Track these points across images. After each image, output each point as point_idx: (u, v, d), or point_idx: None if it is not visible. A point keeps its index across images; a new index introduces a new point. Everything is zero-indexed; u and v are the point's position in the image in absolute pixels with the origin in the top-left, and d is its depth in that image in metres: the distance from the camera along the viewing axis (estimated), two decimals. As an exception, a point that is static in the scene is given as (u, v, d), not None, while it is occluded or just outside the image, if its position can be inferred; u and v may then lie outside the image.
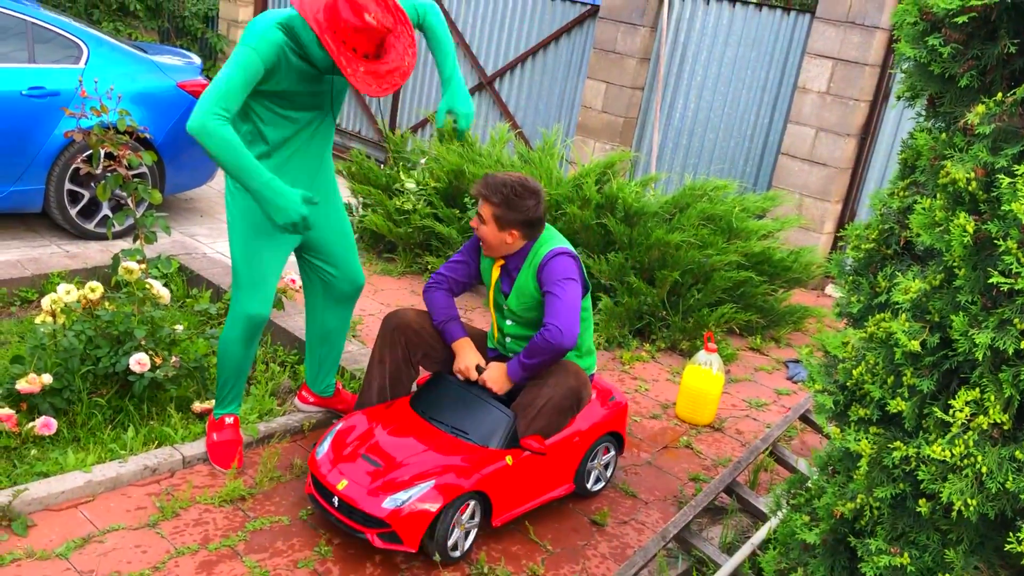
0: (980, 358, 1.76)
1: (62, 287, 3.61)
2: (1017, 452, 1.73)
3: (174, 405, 3.63)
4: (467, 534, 2.99)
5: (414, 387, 3.47)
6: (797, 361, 5.10)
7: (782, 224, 5.55)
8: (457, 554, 2.96)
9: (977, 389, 1.79)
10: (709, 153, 6.90)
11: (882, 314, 2.09)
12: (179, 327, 3.85)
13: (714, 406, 4.22)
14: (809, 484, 2.44)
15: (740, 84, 6.71)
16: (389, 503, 2.81)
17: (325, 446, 3.08)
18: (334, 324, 3.55)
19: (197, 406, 3.63)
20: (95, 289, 3.64)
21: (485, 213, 3.14)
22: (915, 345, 1.91)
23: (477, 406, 3.15)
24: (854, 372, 2.08)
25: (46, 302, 3.62)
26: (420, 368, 3.46)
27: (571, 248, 3.23)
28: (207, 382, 3.78)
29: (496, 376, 3.21)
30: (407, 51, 2.95)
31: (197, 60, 6.72)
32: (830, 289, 6.32)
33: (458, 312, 3.41)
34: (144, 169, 5.55)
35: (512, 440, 3.07)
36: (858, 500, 2.02)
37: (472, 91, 8.06)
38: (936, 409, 1.85)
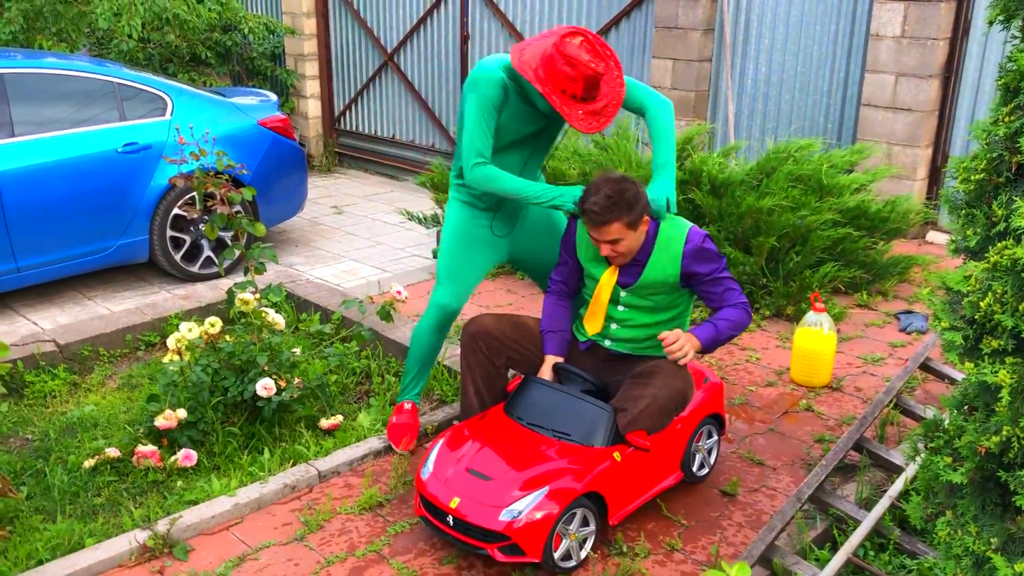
0: (1117, 270, 1.71)
1: (184, 325, 3.79)
2: None
3: (303, 424, 3.78)
4: (582, 543, 2.92)
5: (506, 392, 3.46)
6: (908, 312, 4.98)
7: (873, 176, 5.43)
8: (572, 563, 2.89)
9: (1117, 303, 1.75)
10: (787, 115, 6.78)
11: (1004, 242, 2.04)
12: (296, 350, 4.00)
13: (829, 366, 4.16)
14: (946, 425, 2.39)
15: (810, 40, 6.58)
16: (506, 515, 2.77)
17: (430, 465, 3.04)
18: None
19: (324, 423, 3.77)
20: (215, 324, 3.81)
21: (617, 231, 2.99)
22: (1044, 267, 1.87)
23: (574, 405, 3.08)
24: (981, 304, 2.04)
25: (171, 341, 3.81)
26: (508, 372, 3.44)
27: (697, 226, 3.22)
28: (329, 399, 3.92)
29: (686, 343, 3.04)
30: (616, 85, 3.14)
31: (273, 97, 6.96)
32: (932, 235, 6.14)
33: (569, 324, 3.34)
34: (239, 208, 5.77)
35: (615, 436, 3.02)
36: (1003, 432, 1.98)
37: (539, 88, 8.11)
38: (1076, 329, 1.80)
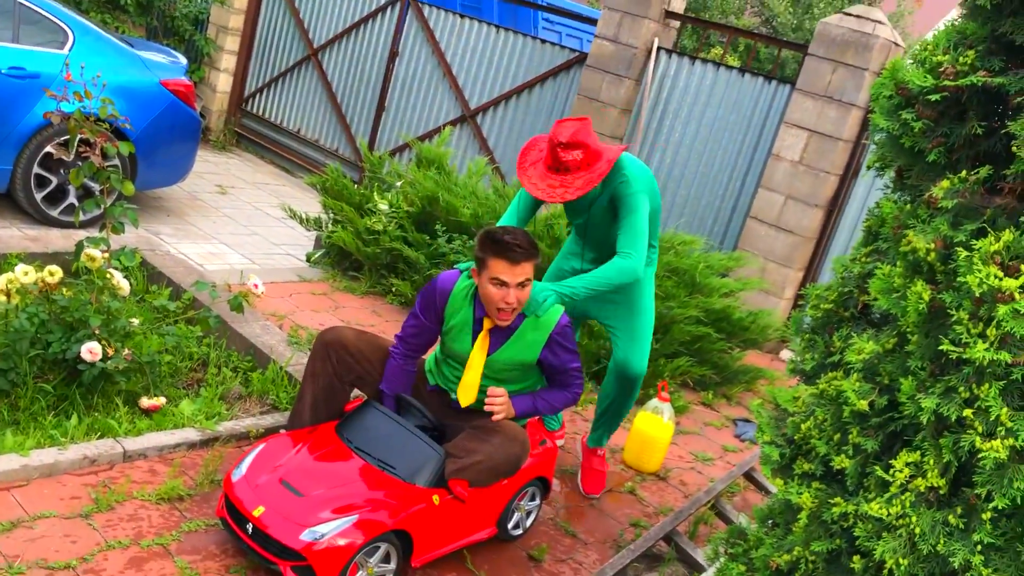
0: (924, 422, 1.81)
1: (20, 267, 3.56)
2: (950, 516, 1.78)
3: (122, 399, 3.58)
4: None
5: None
6: (746, 420, 5.16)
7: (744, 285, 5.65)
8: None
9: (918, 452, 1.85)
10: (680, 208, 7.01)
11: (834, 373, 2.14)
12: (135, 321, 3.82)
13: (662, 454, 4.25)
14: (748, 535, 2.47)
15: (716, 146, 6.85)
16: (307, 535, 2.67)
17: (243, 468, 2.91)
18: (608, 390, 3.84)
19: (145, 402, 3.58)
20: (54, 273, 3.60)
21: (528, 271, 3.00)
22: (863, 405, 1.96)
23: (406, 440, 3.02)
24: (802, 426, 2.13)
25: (1, 281, 3.56)
26: (352, 392, 3.35)
27: (552, 300, 3.19)
28: (156, 379, 3.74)
29: (505, 402, 3.14)
30: (581, 185, 3.24)
31: (183, 60, 6.72)
32: (784, 354, 6.42)
33: (409, 389, 3.28)
34: (116, 161, 5.51)
35: (439, 479, 2.96)
36: (795, 552, 2.05)
37: (453, 123, 8.13)
38: (878, 468, 1.89)
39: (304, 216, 6.26)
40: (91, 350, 3.42)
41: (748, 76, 6.71)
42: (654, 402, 4.25)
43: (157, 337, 3.79)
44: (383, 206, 5.74)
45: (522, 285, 3.00)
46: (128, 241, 4.86)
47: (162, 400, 3.62)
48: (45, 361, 3.51)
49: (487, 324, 3.11)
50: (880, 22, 6.04)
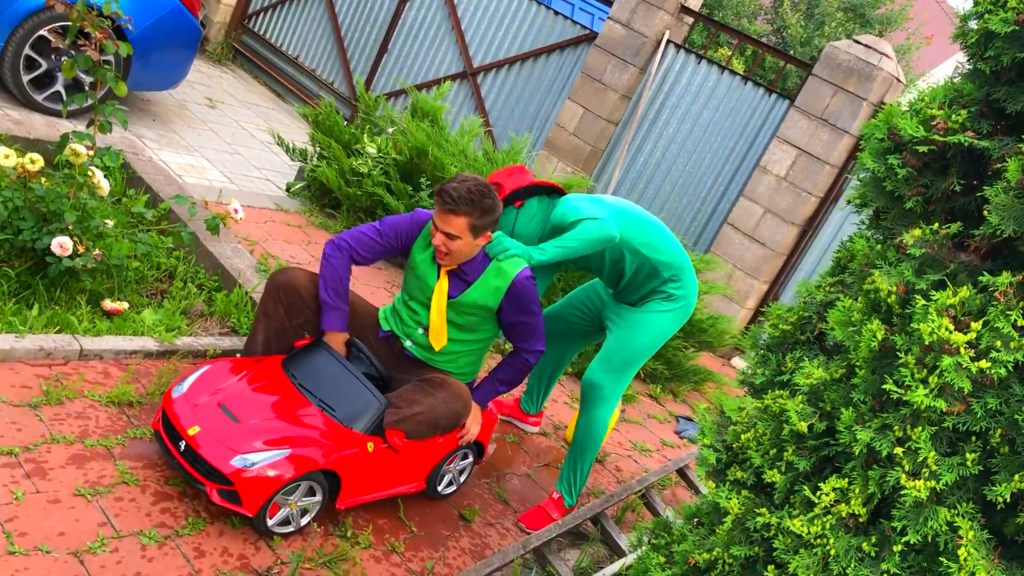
0: (856, 452, 1.91)
1: (1, 150, 3.53)
2: (865, 543, 1.89)
3: (84, 298, 3.59)
4: (304, 512, 2.92)
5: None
6: (688, 418, 5.29)
7: (710, 288, 5.76)
8: (289, 529, 2.89)
9: (846, 479, 1.95)
10: (661, 203, 7.09)
11: (781, 391, 2.24)
12: (109, 222, 3.81)
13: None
14: (673, 529, 2.57)
15: (706, 148, 6.93)
16: (238, 461, 2.71)
17: (185, 386, 2.92)
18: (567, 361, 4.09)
19: (107, 304, 3.60)
20: (35, 161, 3.58)
21: (458, 227, 2.99)
22: (803, 426, 2.05)
23: (351, 384, 3.03)
24: (742, 436, 2.22)
25: (-19, 160, 3.54)
26: (304, 333, 3.31)
27: (515, 253, 3.20)
28: (122, 283, 3.75)
29: (474, 425, 3.30)
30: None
31: (193, -35, 6.61)
32: (736, 361, 6.56)
33: (348, 295, 3.24)
34: (111, 58, 5.44)
35: (377, 427, 3.00)
36: (715, 552, 2.15)
37: (453, 77, 8.11)
38: (806, 488, 1.99)
39: (291, 145, 6.23)
40: (62, 244, 3.42)
41: (750, 85, 6.78)
42: (604, 387, 4.34)
43: (128, 242, 3.79)
44: (371, 149, 5.74)
45: (451, 237, 3.00)
46: (111, 141, 4.82)
47: (125, 305, 3.64)
48: (13, 247, 3.50)
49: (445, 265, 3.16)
50: (887, 55, 6.13)
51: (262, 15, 9.50)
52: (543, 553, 3.28)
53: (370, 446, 2.98)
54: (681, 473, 4.27)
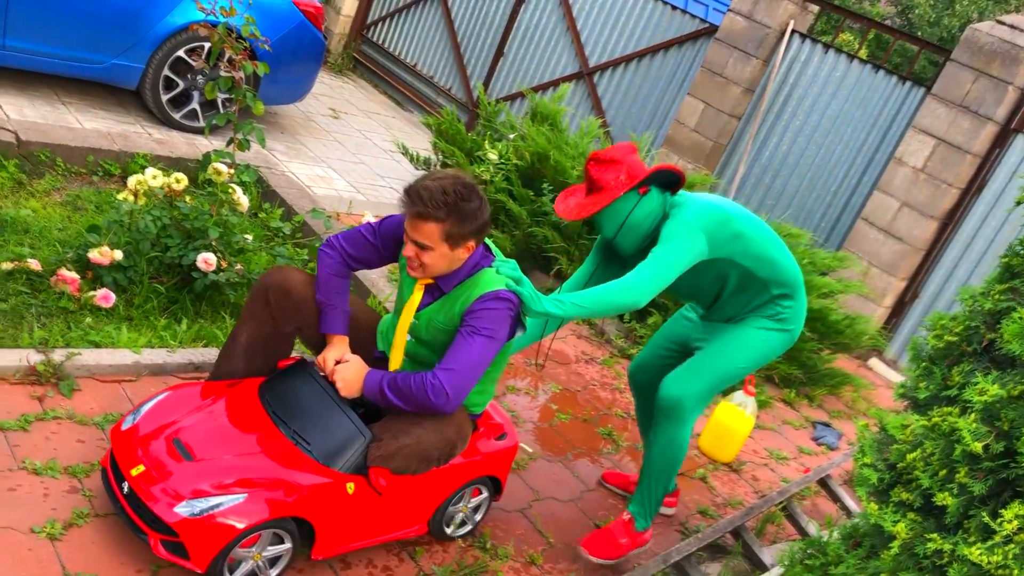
0: (1043, 477, 1.77)
1: (149, 171, 3.70)
2: (1055, 576, 1.75)
3: (228, 311, 3.72)
4: (273, 562, 2.47)
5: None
6: (826, 424, 5.10)
7: (845, 287, 5.53)
8: None
9: (1031, 506, 1.81)
10: (789, 198, 6.86)
11: (950, 408, 2.10)
12: (248, 237, 3.94)
13: (738, 447, 4.24)
14: (828, 549, 2.46)
15: (836, 139, 6.66)
16: (183, 508, 2.30)
17: (136, 417, 2.54)
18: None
19: (249, 317, 3.71)
20: (180, 180, 3.73)
21: (429, 235, 2.49)
22: (978, 447, 1.92)
23: (331, 415, 2.57)
24: (908, 456, 2.10)
25: (132, 181, 3.72)
26: (294, 344, 2.90)
27: (515, 287, 2.61)
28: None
29: (350, 376, 2.62)
30: (590, 204, 2.86)
31: (317, -19, 6.80)
32: (874, 362, 6.28)
33: (348, 296, 2.81)
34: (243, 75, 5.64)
35: (361, 465, 2.54)
36: (880, 579, 2.04)
37: (569, 78, 8.06)
38: (984, 514, 1.86)
39: (415, 154, 6.32)
40: (206, 260, 3.56)
41: (882, 73, 6.48)
42: (739, 395, 4.23)
43: (268, 256, 3.92)
44: (492, 156, 5.76)
45: (421, 247, 2.52)
46: (247, 157, 4.99)
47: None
48: (162, 264, 3.66)
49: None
50: (1034, 35, 5.74)
51: (380, 24, 9.69)
52: (684, 567, 3.20)
53: (350, 487, 2.53)
54: (823, 483, 4.10)
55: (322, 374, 2.68)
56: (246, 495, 2.34)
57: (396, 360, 2.78)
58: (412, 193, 2.49)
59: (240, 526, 2.31)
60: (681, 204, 2.98)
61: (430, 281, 2.66)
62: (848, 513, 3.92)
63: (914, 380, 2.31)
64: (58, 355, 2.99)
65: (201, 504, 2.31)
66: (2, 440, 2.68)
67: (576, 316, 2.72)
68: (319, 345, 2.79)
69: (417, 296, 2.69)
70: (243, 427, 2.54)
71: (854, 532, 2.38)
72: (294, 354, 2.94)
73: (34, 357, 2.95)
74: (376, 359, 2.86)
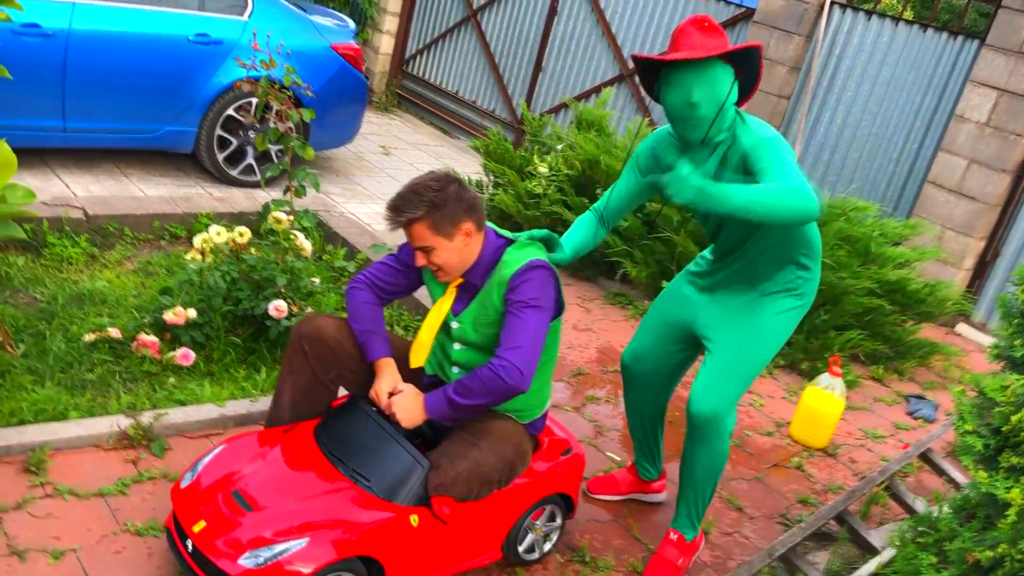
0: None
1: (213, 228, 3.79)
2: None
3: (304, 354, 3.77)
4: None
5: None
6: (920, 397, 4.93)
7: (921, 254, 5.36)
8: None
9: None
10: (851, 172, 6.69)
11: (1050, 362, 2.01)
12: (315, 280, 4.00)
13: (831, 430, 4.13)
14: (939, 524, 2.36)
15: (892, 105, 6.48)
16: (247, 560, 2.26)
17: (194, 473, 2.53)
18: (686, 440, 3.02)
19: (325, 358, 3.76)
20: (243, 234, 3.80)
21: (420, 236, 2.51)
22: (1086, 399, 1.83)
23: (387, 448, 2.53)
24: (1012, 418, 2.01)
25: (197, 240, 3.80)
26: (339, 389, 2.83)
27: (547, 260, 2.62)
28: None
29: (408, 406, 2.55)
30: (719, 45, 2.60)
31: (351, 24, 6.92)
32: (962, 327, 6.06)
33: (384, 323, 2.78)
34: (292, 126, 5.75)
35: (423, 496, 2.49)
36: (999, 549, 1.95)
37: (611, 82, 8.03)
38: (1103, 469, 1.77)
39: (468, 178, 6.35)
40: (277, 308, 3.62)
41: (930, 31, 6.29)
42: (824, 377, 4.12)
43: (336, 296, 3.96)
44: (543, 169, 5.76)
45: (425, 250, 2.55)
46: (305, 203, 5.08)
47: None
48: (236, 316, 3.73)
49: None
50: (1088, -30, 5.52)
51: (418, 57, 9.80)
52: (790, 559, 3.11)
53: (414, 519, 2.48)
54: (924, 458, 3.95)
55: (376, 408, 2.63)
56: (308, 539, 2.31)
57: (420, 358, 2.73)
58: (390, 207, 2.53)
59: (307, 571, 2.26)
60: (748, 120, 2.72)
61: (460, 280, 2.64)
62: (956, 485, 3.77)
63: (1008, 339, 2.22)
64: (146, 417, 3.07)
65: (265, 553, 2.27)
66: (103, 505, 2.75)
67: (735, 210, 2.36)
68: (364, 386, 2.73)
69: (450, 295, 2.67)
70: (301, 471, 2.52)
71: (965, 504, 2.28)
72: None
73: (124, 422, 3.03)
74: (428, 384, 2.81)
